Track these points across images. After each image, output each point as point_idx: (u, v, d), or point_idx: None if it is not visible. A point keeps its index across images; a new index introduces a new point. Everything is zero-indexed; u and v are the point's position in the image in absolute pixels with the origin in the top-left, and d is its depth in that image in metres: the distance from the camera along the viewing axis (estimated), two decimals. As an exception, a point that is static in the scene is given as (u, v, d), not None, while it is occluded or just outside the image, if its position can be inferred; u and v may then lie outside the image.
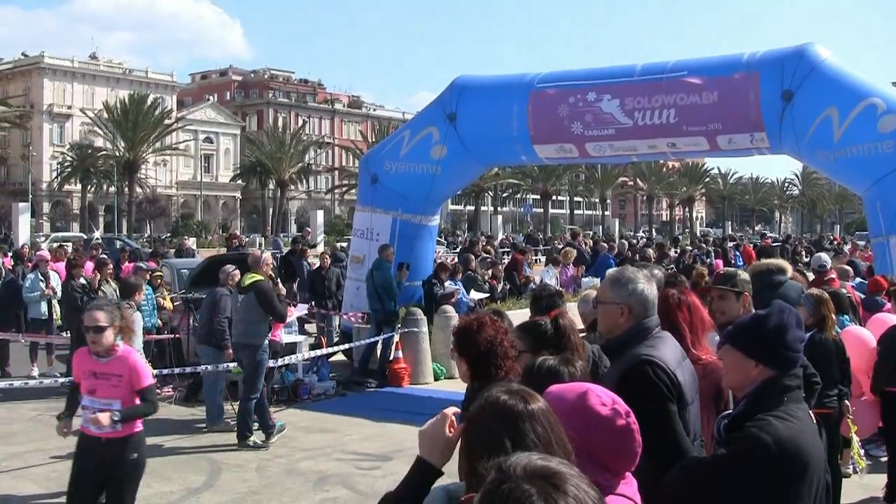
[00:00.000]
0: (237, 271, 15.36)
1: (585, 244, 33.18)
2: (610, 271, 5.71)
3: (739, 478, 4.14)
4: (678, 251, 36.94)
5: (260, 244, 63.36)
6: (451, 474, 3.53)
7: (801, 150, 16.55)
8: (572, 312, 7.70)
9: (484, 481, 2.21)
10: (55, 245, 37.22)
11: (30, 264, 20.70)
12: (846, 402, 9.44)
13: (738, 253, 36.75)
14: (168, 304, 18.92)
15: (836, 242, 56.08)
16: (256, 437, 13.56)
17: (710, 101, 16.76)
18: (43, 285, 19.33)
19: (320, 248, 37.62)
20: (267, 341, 14.01)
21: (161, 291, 19.00)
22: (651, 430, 4.65)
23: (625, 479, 3.32)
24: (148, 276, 18.23)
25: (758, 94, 16.33)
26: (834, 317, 9.47)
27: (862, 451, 10.04)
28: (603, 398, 3.39)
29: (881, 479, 10.58)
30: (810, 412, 4.54)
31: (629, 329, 5.13)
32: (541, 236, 63.33)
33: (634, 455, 3.35)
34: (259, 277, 13.86)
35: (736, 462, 4.16)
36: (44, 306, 19.39)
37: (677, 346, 5.25)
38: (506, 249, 43.86)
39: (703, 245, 40.39)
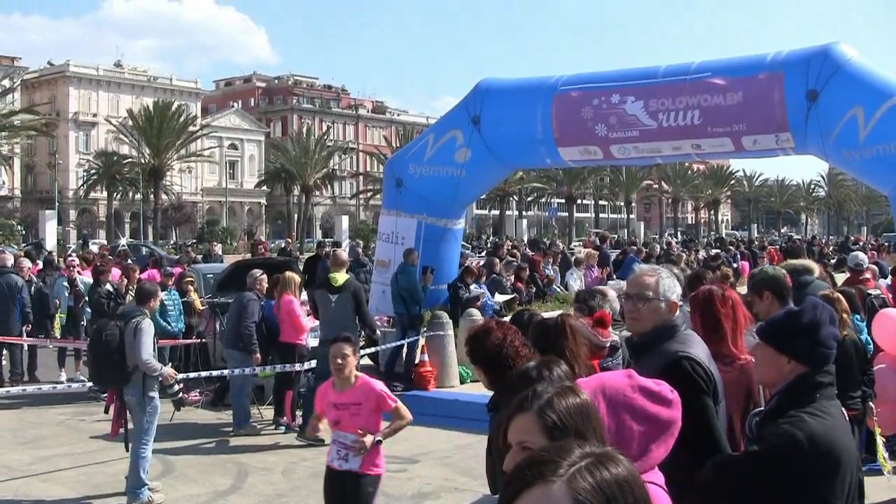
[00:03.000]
0: (264, 276, 15.49)
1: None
2: (643, 267, 5.63)
3: (772, 474, 4.12)
4: (706, 254, 36.86)
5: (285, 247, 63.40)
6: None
7: (827, 151, 16.48)
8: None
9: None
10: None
11: (64, 271, 20.77)
12: (870, 403, 9.39)
13: (763, 255, 36.67)
14: (198, 305, 18.94)
15: (860, 243, 55.77)
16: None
17: (735, 102, 16.71)
18: (67, 293, 19.46)
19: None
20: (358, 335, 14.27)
21: (191, 296, 19.05)
22: (692, 426, 4.65)
23: (652, 469, 3.31)
24: (169, 282, 18.29)
25: (782, 94, 16.27)
26: (847, 317, 9.38)
27: (886, 455, 9.97)
28: (647, 379, 3.40)
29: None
30: (842, 409, 4.51)
31: (660, 325, 5.10)
32: (546, 241, 62.87)
33: (674, 432, 3.33)
34: (348, 277, 14.45)
35: (768, 458, 4.13)
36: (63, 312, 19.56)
37: (703, 343, 5.22)
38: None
39: (730, 248, 40.26)
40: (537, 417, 2.86)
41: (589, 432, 2.82)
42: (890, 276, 17.03)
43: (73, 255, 26.55)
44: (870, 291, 13.58)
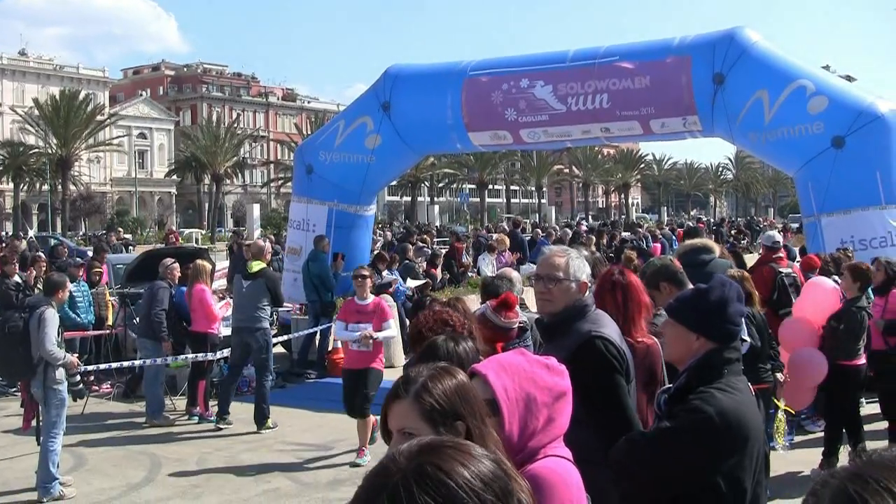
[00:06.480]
0: (176, 264, 15.32)
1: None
2: (552, 248, 5.62)
3: (683, 449, 4.18)
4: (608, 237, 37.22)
5: (197, 239, 63.01)
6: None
7: (733, 133, 16.71)
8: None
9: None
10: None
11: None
12: (778, 375, 9.69)
13: (674, 237, 37.12)
14: (108, 300, 18.69)
15: (765, 224, 56.62)
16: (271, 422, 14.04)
17: (643, 86, 16.87)
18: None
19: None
20: (268, 324, 14.72)
21: (100, 287, 18.82)
22: (604, 404, 4.72)
23: (557, 441, 3.34)
24: (78, 273, 18.01)
25: (689, 77, 16.46)
26: (757, 294, 9.62)
27: (787, 429, 10.19)
28: (533, 355, 3.46)
29: (812, 454, 10.78)
30: (749, 384, 4.59)
31: (571, 305, 5.12)
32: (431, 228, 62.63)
33: (570, 400, 3.37)
34: (264, 265, 14.48)
35: (680, 434, 4.19)
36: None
37: (614, 322, 5.25)
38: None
39: (638, 230, 40.64)
40: (414, 402, 2.87)
41: (467, 413, 2.85)
42: (798, 257, 17.36)
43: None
44: (781, 270, 13.83)
